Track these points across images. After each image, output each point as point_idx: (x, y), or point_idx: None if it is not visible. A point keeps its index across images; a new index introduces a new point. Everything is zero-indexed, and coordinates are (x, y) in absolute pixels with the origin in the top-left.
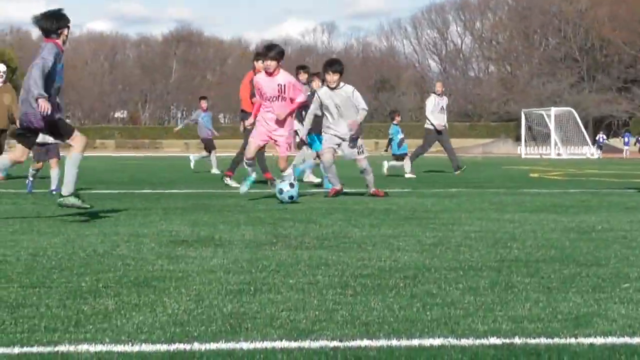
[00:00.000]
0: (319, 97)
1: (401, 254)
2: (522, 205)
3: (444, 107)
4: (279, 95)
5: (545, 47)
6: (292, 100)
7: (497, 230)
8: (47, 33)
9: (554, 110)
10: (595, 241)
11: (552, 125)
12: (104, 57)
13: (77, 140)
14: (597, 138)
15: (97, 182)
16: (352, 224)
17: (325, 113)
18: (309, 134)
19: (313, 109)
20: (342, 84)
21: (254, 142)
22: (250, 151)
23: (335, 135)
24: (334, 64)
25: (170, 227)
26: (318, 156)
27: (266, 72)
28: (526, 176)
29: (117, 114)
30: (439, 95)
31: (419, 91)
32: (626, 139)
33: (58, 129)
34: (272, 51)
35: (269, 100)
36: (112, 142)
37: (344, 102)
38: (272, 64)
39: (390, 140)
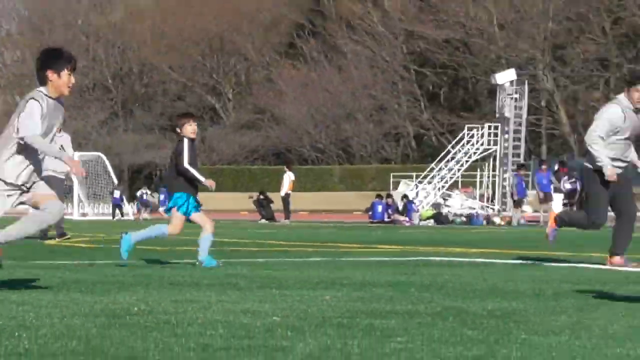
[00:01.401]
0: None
1: None
2: None
3: None
4: None
5: (83, 72)
6: None
7: None
8: None
9: (78, 156)
10: (129, 327)
11: (76, 177)
12: None
13: None
14: (138, 194)
15: None
16: None
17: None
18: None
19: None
20: None
21: None
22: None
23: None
24: None
25: None
26: None
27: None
28: None
29: None
30: None
31: None
32: (162, 197)
33: None
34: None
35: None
36: None
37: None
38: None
39: None
